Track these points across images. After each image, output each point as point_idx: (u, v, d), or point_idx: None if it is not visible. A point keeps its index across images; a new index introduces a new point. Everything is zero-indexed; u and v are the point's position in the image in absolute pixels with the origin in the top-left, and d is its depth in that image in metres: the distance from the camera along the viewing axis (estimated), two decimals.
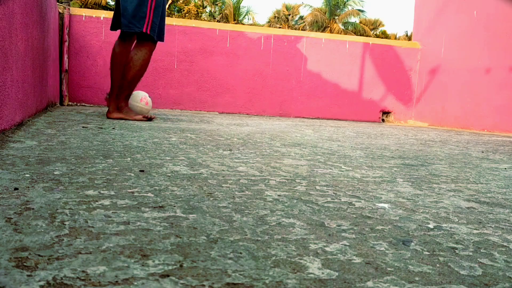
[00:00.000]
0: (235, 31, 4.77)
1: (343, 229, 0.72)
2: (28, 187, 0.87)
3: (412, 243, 0.67)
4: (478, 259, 0.62)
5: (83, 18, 4.30)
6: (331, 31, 29.78)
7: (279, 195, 0.94)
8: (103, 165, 1.16)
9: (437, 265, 0.59)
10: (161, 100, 4.58)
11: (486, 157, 1.99)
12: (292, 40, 4.87)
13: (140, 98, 3.12)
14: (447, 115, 4.87)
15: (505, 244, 0.70)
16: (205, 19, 28.41)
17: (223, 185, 1.01)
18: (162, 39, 2.91)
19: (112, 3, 26.43)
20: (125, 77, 2.78)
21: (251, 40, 4.76)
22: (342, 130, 3.24)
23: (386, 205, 0.91)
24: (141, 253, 0.56)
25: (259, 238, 0.65)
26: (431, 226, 0.78)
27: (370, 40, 5.29)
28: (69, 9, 4.21)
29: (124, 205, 0.78)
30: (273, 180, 1.12)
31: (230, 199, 0.88)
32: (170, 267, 0.52)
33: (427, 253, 0.63)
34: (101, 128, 2.15)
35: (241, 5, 30.90)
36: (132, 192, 0.88)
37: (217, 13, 30.87)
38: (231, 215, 0.77)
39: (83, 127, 2.14)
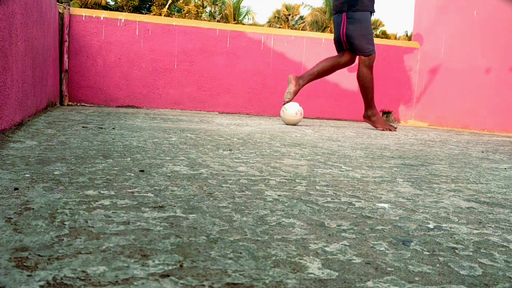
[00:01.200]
0: (235, 31, 4.77)
1: (343, 229, 0.72)
2: (28, 187, 0.87)
3: (412, 243, 0.67)
4: (478, 259, 0.62)
5: (83, 18, 4.30)
6: (331, 31, 29.78)
7: (279, 195, 0.94)
8: (103, 165, 1.16)
9: (437, 265, 0.59)
10: (161, 100, 4.58)
11: (486, 157, 1.99)
12: (292, 40, 4.87)
13: (295, 112, 3.40)
14: (447, 115, 4.87)
15: (505, 244, 0.70)
16: (205, 19, 28.38)
17: (223, 185, 1.01)
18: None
19: (112, 3, 26.45)
20: (363, 93, 3.55)
21: (251, 40, 4.75)
22: (342, 130, 3.24)
23: (386, 205, 0.91)
24: (141, 253, 0.56)
25: (259, 238, 0.65)
26: (431, 226, 0.78)
27: None
28: (69, 9, 4.21)
29: (124, 205, 0.78)
30: (273, 180, 1.12)
31: (230, 199, 0.88)
32: (170, 267, 0.52)
33: (427, 253, 0.63)
34: (101, 128, 2.15)
35: (241, 5, 30.89)
36: (132, 192, 0.88)
37: (217, 13, 30.86)
38: (231, 215, 0.77)
39: (83, 127, 2.14)
